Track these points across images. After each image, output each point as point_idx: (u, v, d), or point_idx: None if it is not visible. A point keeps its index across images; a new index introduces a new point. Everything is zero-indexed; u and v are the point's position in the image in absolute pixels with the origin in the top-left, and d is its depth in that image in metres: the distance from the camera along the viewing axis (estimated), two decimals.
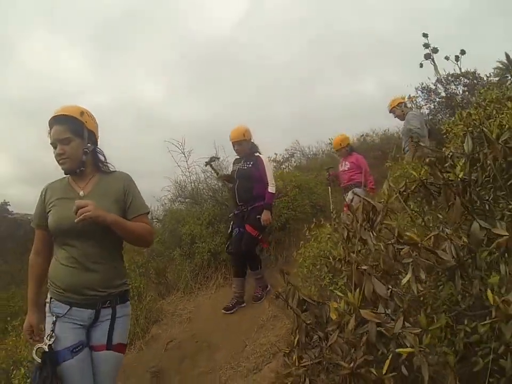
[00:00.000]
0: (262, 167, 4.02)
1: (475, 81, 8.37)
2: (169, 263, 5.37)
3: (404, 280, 1.10)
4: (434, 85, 8.93)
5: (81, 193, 1.90)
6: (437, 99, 8.42)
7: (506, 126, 1.58)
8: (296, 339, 1.29)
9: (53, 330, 1.77)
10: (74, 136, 1.87)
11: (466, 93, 8.02)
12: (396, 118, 5.63)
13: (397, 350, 0.99)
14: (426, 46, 10.46)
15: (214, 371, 3.04)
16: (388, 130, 10.24)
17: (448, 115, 7.38)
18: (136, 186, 2.03)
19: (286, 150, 10.49)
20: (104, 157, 2.03)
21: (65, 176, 1.99)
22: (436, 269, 1.18)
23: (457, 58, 10.26)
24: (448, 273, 1.17)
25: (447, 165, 1.37)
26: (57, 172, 1.97)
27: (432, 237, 1.17)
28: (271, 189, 3.96)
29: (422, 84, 9.15)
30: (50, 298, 1.86)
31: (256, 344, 3.12)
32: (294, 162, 10.31)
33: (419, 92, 9.34)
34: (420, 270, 1.09)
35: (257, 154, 4.16)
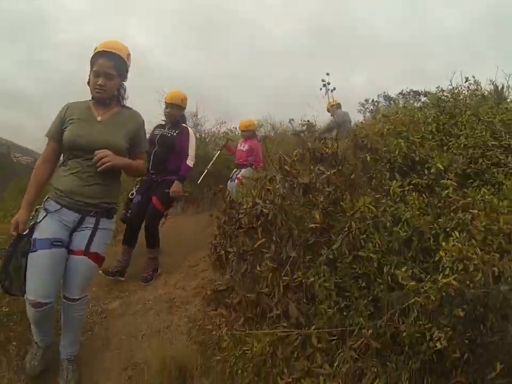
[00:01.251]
0: (185, 137, 3.88)
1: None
2: None
3: None
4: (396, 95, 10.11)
5: (98, 118, 2.11)
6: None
7: None
8: None
9: (41, 220, 2.00)
10: (118, 74, 2.11)
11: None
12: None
13: None
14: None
15: (163, 265, 3.87)
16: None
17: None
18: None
19: (257, 120, 10.78)
20: (125, 92, 2.24)
21: (87, 100, 2.19)
22: None
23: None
24: None
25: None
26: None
27: None
28: (190, 162, 3.86)
29: (385, 93, 10.33)
30: (47, 197, 2.07)
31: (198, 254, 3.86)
32: (263, 132, 10.51)
33: (381, 98, 10.52)
34: None
35: (184, 125, 4.05)
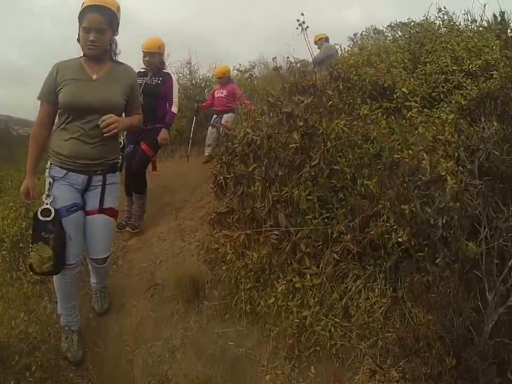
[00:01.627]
0: (170, 84, 3.88)
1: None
2: None
3: None
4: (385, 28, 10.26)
5: (94, 76, 2.05)
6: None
7: None
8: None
9: (49, 190, 2.01)
10: (109, 28, 2.03)
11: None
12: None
13: None
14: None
15: (172, 202, 4.13)
16: None
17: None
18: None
19: (249, 62, 10.78)
20: (116, 47, 2.17)
21: (77, 57, 2.12)
22: None
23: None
24: None
25: None
26: None
27: None
28: (174, 109, 3.90)
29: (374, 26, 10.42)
30: (50, 164, 2.07)
31: (202, 189, 4.16)
32: (258, 73, 10.60)
33: (370, 31, 10.66)
34: None
35: (166, 71, 4.02)
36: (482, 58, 2.63)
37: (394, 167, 1.87)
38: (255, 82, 7.16)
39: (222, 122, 5.48)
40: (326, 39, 6.95)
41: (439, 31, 3.46)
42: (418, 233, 1.67)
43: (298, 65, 7.28)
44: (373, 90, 2.60)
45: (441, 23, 3.97)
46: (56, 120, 2.12)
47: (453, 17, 4.13)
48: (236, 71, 9.46)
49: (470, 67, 2.60)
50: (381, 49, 3.33)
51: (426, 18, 3.96)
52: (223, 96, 5.82)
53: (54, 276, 2.12)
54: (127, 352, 2.28)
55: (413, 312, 1.79)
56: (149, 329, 2.38)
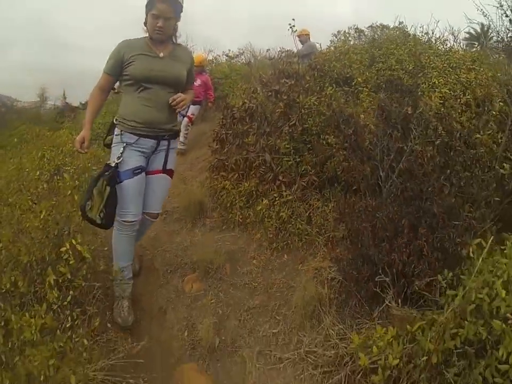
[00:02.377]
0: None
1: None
2: None
3: None
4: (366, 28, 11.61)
5: (161, 54, 2.29)
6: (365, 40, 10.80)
7: None
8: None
9: (122, 153, 2.23)
10: (175, 17, 2.27)
11: None
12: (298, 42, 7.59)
13: None
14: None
15: None
16: None
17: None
18: None
19: (238, 48, 11.70)
20: (177, 31, 2.40)
21: (141, 37, 2.35)
22: None
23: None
24: None
25: None
26: None
27: None
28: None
29: (355, 26, 11.77)
30: (121, 131, 2.28)
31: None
32: (244, 60, 11.52)
33: (351, 30, 12.01)
34: None
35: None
36: (417, 61, 3.64)
37: (343, 126, 2.83)
38: (251, 67, 7.99)
39: (188, 113, 5.82)
40: (308, 36, 7.69)
41: (395, 39, 4.50)
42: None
43: (284, 55, 8.31)
44: (338, 79, 3.58)
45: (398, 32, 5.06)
46: (123, 91, 2.41)
47: (411, 28, 5.24)
48: (225, 56, 10.43)
49: (408, 67, 3.60)
50: (350, 49, 4.31)
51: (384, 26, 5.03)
52: (197, 85, 5.87)
53: (113, 233, 2.36)
54: (148, 254, 3.13)
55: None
56: (164, 238, 3.22)
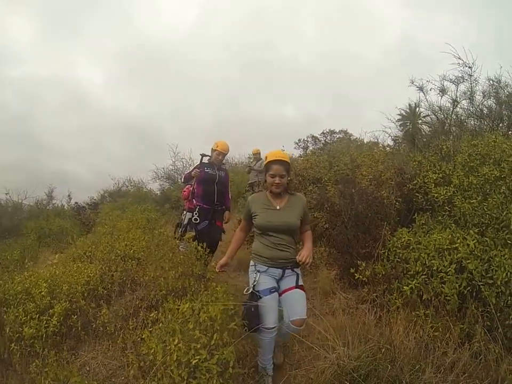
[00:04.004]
0: (228, 177, 5.42)
1: (345, 136, 14.63)
2: None
3: None
4: (319, 135, 15.39)
5: (277, 207, 2.94)
6: (320, 145, 14.38)
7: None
8: None
9: (255, 280, 2.83)
10: (287, 173, 2.91)
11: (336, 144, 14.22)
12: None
13: None
14: None
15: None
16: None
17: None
18: None
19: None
20: (288, 184, 3.02)
21: (263, 192, 3.10)
22: None
23: None
24: None
25: None
26: None
27: None
28: (230, 196, 5.47)
29: (312, 135, 15.65)
30: (255, 263, 2.94)
31: None
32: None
33: (309, 138, 15.82)
34: None
35: (223, 167, 5.45)
36: (355, 162, 6.26)
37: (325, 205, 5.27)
38: None
39: None
40: (260, 154, 9.55)
41: (341, 149, 7.26)
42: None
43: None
44: (313, 179, 6.16)
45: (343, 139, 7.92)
46: (255, 233, 3.04)
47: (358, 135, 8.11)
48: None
49: (350, 167, 6.19)
50: (316, 160, 7.01)
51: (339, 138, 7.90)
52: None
53: (258, 336, 2.78)
54: None
55: None
56: None
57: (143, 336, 2.78)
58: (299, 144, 17.34)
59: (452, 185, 4.19)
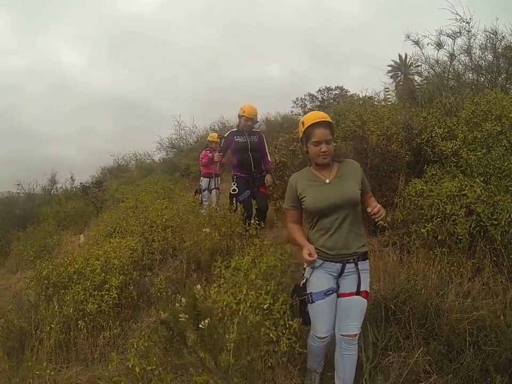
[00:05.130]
0: (263, 140, 5.15)
1: (341, 92, 14.84)
2: None
3: None
4: (316, 93, 15.45)
5: (327, 180, 2.40)
6: (317, 102, 14.50)
7: None
8: None
9: (310, 275, 2.40)
10: (332, 137, 2.36)
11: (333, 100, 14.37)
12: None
13: None
14: None
15: None
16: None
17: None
18: None
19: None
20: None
21: (307, 167, 2.55)
22: None
23: None
24: None
25: None
26: None
27: None
28: (270, 158, 5.29)
29: (309, 93, 15.81)
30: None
31: None
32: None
33: (306, 96, 15.95)
34: None
35: (255, 130, 5.18)
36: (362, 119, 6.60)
37: None
38: None
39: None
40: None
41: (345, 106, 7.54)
42: None
43: None
44: None
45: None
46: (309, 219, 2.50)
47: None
48: None
49: (357, 123, 6.53)
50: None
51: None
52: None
53: (308, 339, 2.54)
54: None
55: None
56: None
57: (211, 292, 3.02)
58: (297, 102, 17.55)
59: (457, 139, 4.60)
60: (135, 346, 2.68)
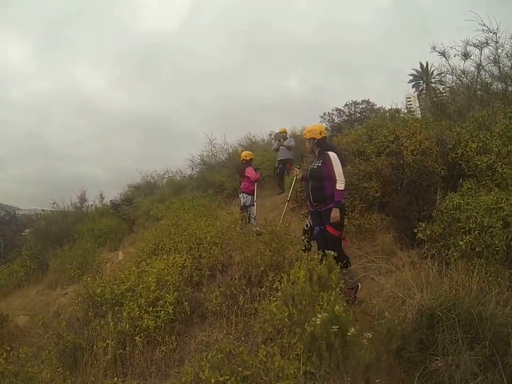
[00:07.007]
0: (330, 164, 4.16)
1: (368, 106, 15.11)
2: None
3: None
4: (343, 107, 15.82)
5: None
6: (344, 117, 14.82)
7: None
8: None
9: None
10: None
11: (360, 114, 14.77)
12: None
13: None
14: None
15: None
16: None
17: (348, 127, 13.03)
18: None
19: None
20: None
21: None
22: None
23: None
24: None
25: None
26: None
27: None
28: (339, 186, 4.09)
29: (336, 107, 16.13)
30: None
31: None
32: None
33: (334, 111, 16.18)
34: None
35: (326, 152, 4.28)
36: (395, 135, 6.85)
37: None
38: None
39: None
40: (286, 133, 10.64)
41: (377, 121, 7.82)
42: None
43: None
44: (356, 152, 6.82)
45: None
46: None
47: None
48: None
49: (390, 139, 6.77)
50: (358, 133, 7.61)
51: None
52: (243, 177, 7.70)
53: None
54: None
55: None
56: None
57: (270, 306, 3.14)
58: (324, 117, 17.76)
59: (492, 153, 4.80)
60: (206, 359, 2.85)
